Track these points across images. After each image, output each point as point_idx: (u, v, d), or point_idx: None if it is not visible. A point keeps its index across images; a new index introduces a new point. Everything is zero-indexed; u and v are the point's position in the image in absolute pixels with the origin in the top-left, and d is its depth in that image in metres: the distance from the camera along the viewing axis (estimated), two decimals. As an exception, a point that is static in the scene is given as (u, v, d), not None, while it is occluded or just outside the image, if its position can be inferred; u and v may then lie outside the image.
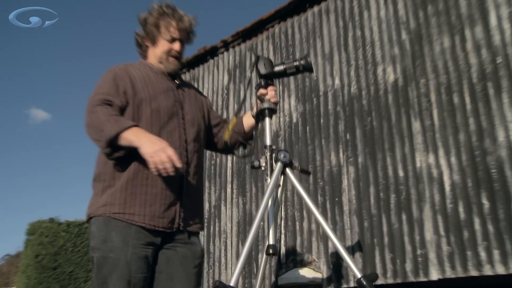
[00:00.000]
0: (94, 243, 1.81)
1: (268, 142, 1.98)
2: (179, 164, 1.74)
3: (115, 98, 1.88)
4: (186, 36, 2.08)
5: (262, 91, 2.05)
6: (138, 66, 2.05)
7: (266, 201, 1.81)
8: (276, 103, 2.08)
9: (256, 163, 1.96)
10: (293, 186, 4.07)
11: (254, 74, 2.09)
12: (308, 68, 2.06)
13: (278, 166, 1.90)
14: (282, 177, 1.97)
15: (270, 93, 2.05)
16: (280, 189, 2.03)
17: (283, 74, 2.09)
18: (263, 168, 1.93)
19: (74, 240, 9.18)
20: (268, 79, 2.08)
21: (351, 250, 3.66)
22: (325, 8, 4.49)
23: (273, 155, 1.94)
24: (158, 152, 1.71)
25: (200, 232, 2.08)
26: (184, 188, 1.93)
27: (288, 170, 1.94)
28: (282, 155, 1.92)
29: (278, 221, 4.18)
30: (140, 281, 1.77)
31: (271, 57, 4.74)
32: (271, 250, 1.77)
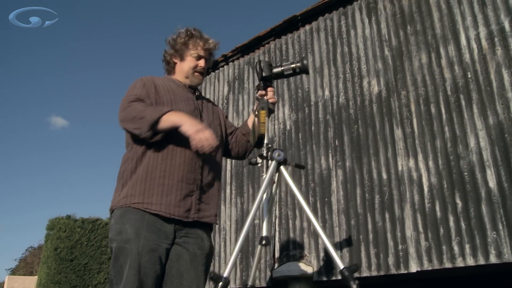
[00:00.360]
0: (111, 235, 1.84)
1: (265, 140, 1.97)
2: (215, 143, 1.80)
3: (146, 99, 1.94)
4: (209, 56, 2.16)
5: (261, 92, 2.05)
6: (162, 78, 2.12)
7: (260, 195, 1.81)
8: (274, 103, 2.07)
9: (253, 160, 1.96)
10: (287, 185, 4.13)
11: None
12: (304, 70, 2.04)
13: (272, 164, 1.89)
14: (277, 174, 1.96)
15: (269, 94, 2.05)
16: (274, 185, 2.01)
17: (280, 75, 2.07)
18: (259, 165, 1.93)
19: (88, 235, 9.20)
20: (267, 81, 2.06)
21: (339, 246, 3.68)
22: (316, 27, 4.53)
23: (269, 153, 1.93)
24: (200, 131, 1.77)
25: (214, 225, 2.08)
26: (201, 182, 1.95)
27: (282, 168, 1.92)
28: (276, 154, 1.90)
29: (273, 219, 4.21)
30: (150, 271, 1.76)
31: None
32: (264, 241, 1.78)
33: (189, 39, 2.10)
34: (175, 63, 2.14)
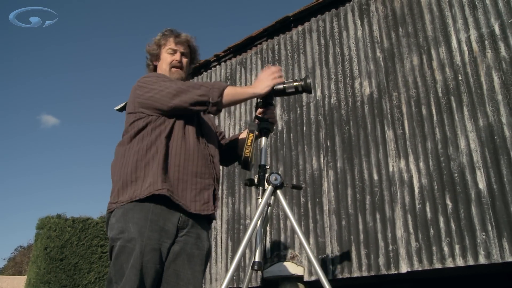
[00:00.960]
0: (113, 234, 1.79)
1: (262, 161, 1.89)
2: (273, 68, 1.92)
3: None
4: (187, 50, 2.14)
5: (260, 110, 1.97)
6: None
7: (255, 221, 1.73)
8: (273, 123, 1.97)
9: (251, 181, 1.87)
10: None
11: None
12: (307, 89, 1.92)
13: (269, 189, 1.80)
14: (272, 197, 1.87)
15: (270, 113, 1.97)
16: (269, 208, 1.94)
17: (282, 93, 1.95)
18: (254, 187, 1.84)
19: (79, 234, 9.13)
20: (268, 98, 1.96)
21: (330, 247, 3.68)
22: (308, 28, 4.53)
23: (266, 175, 1.83)
24: (266, 80, 1.87)
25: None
26: (215, 175, 1.96)
27: (278, 192, 1.83)
28: (273, 178, 1.81)
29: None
30: (152, 271, 1.73)
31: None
32: (256, 266, 1.72)
33: (161, 39, 2.12)
34: (155, 66, 2.15)
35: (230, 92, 1.86)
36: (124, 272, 1.71)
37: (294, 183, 4.09)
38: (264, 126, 1.93)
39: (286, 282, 3.78)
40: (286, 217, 4.04)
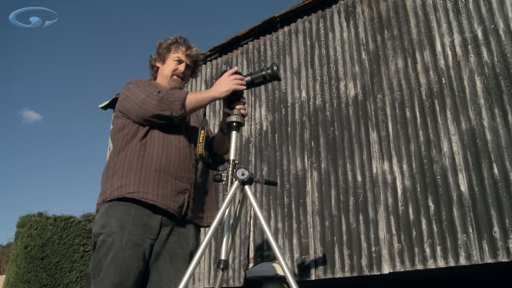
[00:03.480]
0: (95, 229, 1.78)
1: (232, 156, 1.77)
2: (235, 69, 1.90)
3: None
4: (192, 64, 2.16)
5: (236, 104, 1.87)
6: (153, 82, 2.11)
7: (220, 216, 1.63)
8: (244, 116, 1.90)
9: (217, 177, 1.77)
10: (262, 186, 4.09)
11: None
12: (274, 77, 1.87)
13: (235, 185, 1.69)
14: (242, 194, 1.76)
15: (239, 105, 1.89)
16: (239, 206, 1.86)
17: (250, 85, 1.90)
18: (223, 182, 1.73)
19: (61, 233, 8.96)
20: (238, 92, 1.88)
21: (313, 247, 3.67)
22: (295, 29, 4.51)
23: (234, 170, 1.72)
24: (226, 84, 1.84)
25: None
26: (194, 181, 1.93)
27: (247, 187, 1.72)
28: (240, 173, 1.70)
29: (248, 220, 4.16)
30: (133, 266, 1.69)
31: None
32: (221, 264, 1.64)
33: (172, 44, 2.12)
34: (158, 67, 2.15)
35: (191, 101, 1.85)
36: (102, 266, 1.68)
37: (278, 184, 4.06)
38: (235, 120, 1.83)
39: (269, 282, 3.76)
40: (269, 217, 4.02)
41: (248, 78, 1.89)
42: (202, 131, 1.83)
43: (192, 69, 2.19)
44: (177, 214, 1.83)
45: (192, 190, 1.90)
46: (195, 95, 1.88)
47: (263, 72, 1.87)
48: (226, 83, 1.85)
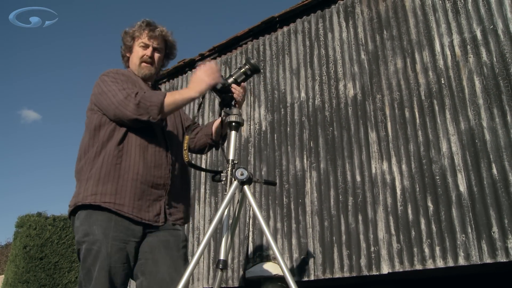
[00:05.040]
0: (78, 237, 1.77)
1: (231, 156, 1.78)
2: (215, 67, 1.85)
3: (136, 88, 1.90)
4: (161, 45, 2.07)
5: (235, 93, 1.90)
6: (129, 73, 2.05)
7: (219, 216, 1.65)
8: (242, 99, 1.92)
9: (217, 177, 1.79)
10: (261, 186, 4.09)
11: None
12: (255, 70, 1.89)
13: (234, 185, 1.69)
14: (241, 194, 1.76)
15: (239, 91, 1.91)
16: (238, 206, 1.86)
17: (236, 83, 1.90)
18: (223, 182, 1.75)
19: (60, 233, 8.95)
20: (227, 92, 1.90)
21: (313, 247, 3.67)
22: (294, 29, 4.51)
23: (233, 170, 1.73)
24: (201, 81, 1.80)
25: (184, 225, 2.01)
26: (170, 186, 1.90)
27: (246, 187, 1.72)
28: (239, 173, 1.70)
29: (247, 220, 4.16)
30: (120, 270, 1.72)
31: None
32: (220, 264, 1.65)
33: (136, 31, 2.05)
34: (128, 58, 2.10)
35: (169, 103, 1.81)
36: (92, 275, 1.69)
37: (277, 184, 4.06)
38: (234, 120, 1.85)
39: (268, 282, 3.75)
40: (268, 217, 4.02)
41: (231, 79, 1.90)
42: (187, 137, 1.83)
43: (165, 51, 2.11)
44: (153, 223, 1.83)
45: (166, 197, 1.89)
46: (173, 96, 1.83)
47: (243, 69, 1.89)
48: (201, 80, 1.81)
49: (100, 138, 1.86)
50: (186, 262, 1.87)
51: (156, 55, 2.07)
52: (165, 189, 1.89)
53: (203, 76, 1.81)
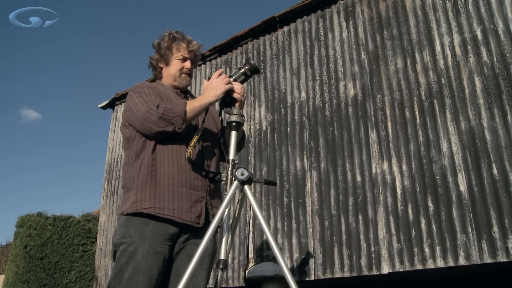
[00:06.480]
0: (115, 239, 1.81)
1: (231, 156, 1.78)
2: (221, 70, 1.93)
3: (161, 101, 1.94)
4: (194, 58, 2.14)
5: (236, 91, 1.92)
6: (157, 85, 2.09)
7: (219, 216, 1.65)
8: (242, 115, 1.92)
9: (217, 177, 1.81)
10: (262, 186, 4.09)
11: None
12: (254, 70, 1.92)
13: (234, 185, 1.69)
14: (241, 194, 1.75)
15: (239, 89, 1.93)
16: (238, 206, 1.86)
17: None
18: (223, 182, 1.75)
19: (60, 233, 8.95)
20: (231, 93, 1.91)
21: (313, 247, 3.67)
22: (294, 29, 4.51)
23: (234, 170, 1.72)
24: (218, 87, 1.86)
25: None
26: (209, 187, 1.93)
27: (246, 187, 1.71)
28: (239, 173, 1.69)
29: (247, 220, 4.16)
30: (155, 273, 1.73)
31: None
32: (221, 264, 1.65)
33: (172, 43, 2.09)
34: (162, 68, 2.13)
35: (190, 111, 1.87)
36: (123, 275, 1.71)
37: (278, 184, 4.06)
38: (234, 119, 1.86)
39: (269, 282, 3.75)
40: (268, 216, 4.02)
41: (231, 80, 1.92)
42: (196, 137, 1.86)
43: (194, 61, 2.18)
44: (195, 225, 1.85)
45: (208, 197, 1.92)
46: (192, 104, 1.89)
47: (242, 70, 1.92)
48: (217, 86, 1.88)
49: (134, 149, 1.93)
50: (207, 278, 1.90)
51: (192, 67, 2.15)
52: (205, 189, 1.92)
53: (218, 83, 1.88)
